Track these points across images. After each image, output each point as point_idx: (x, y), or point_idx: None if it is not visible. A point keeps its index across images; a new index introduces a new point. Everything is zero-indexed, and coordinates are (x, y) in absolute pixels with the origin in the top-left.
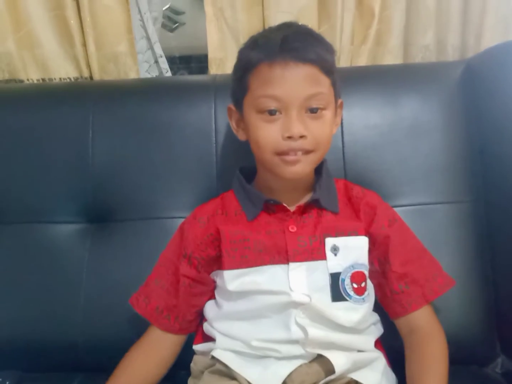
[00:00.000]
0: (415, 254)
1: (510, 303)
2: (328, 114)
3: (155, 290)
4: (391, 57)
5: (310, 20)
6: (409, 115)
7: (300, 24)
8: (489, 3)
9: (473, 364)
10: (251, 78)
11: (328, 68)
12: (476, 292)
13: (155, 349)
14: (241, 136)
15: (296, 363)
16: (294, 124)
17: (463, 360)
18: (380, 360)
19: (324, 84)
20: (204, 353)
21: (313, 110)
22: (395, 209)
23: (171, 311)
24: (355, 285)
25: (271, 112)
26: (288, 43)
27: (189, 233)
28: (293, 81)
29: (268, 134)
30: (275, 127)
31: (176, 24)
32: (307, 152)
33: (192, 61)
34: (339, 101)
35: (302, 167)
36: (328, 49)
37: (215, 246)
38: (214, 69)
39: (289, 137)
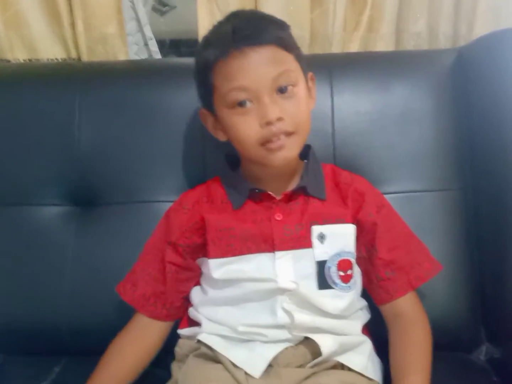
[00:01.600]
0: (402, 239)
1: (495, 290)
2: (299, 90)
3: (142, 277)
4: (383, 44)
5: (302, 5)
6: (400, 102)
7: (247, 10)
8: None
9: (458, 350)
10: (214, 77)
11: (286, 44)
12: (462, 279)
13: (143, 336)
14: (221, 137)
15: (282, 346)
16: (269, 108)
17: (448, 346)
18: (366, 344)
19: (287, 61)
20: (189, 337)
21: (283, 90)
22: (384, 196)
23: (158, 298)
24: (341, 273)
25: (242, 104)
26: (239, 31)
27: (174, 220)
28: (254, 66)
29: (246, 127)
30: (251, 117)
31: (166, 7)
32: (288, 134)
33: (182, 45)
34: (309, 74)
35: (289, 150)
36: (282, 26)
37: (200, 234)
38: None
39: (268, 123)
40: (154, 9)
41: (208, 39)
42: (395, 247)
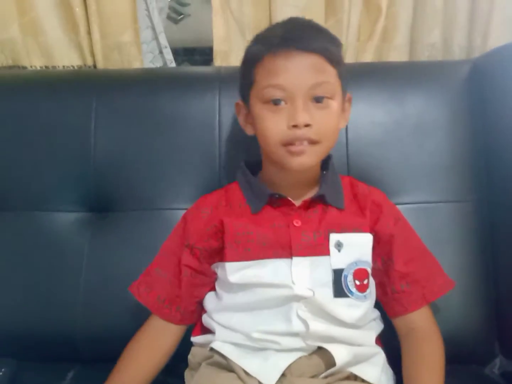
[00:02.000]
0: (418, 253)
1: (510, 303)
2: (334, 104)
3: (156, 279)
4: (397, 54)
5: (316, 14)
6: (414, 113)
7: (305, 19)
8: (496, 3)
9: (471, 363)
10: (256, 71)
11: (333, 58)
12: (477, 292)
13: (158, 339)
14: (249, 131)
15: (296, 355)
16: (299, 112)
17: (462, 360)
18: (380, 355)
19: (329, 74)
20: (203, 345)
21: (318, 99)
22: (398, 206)
23: (173, 301)
24: (357, 282)
25: (276, 102)
26: (290, 33)
27: (192, 224)
28: (297, 70)
29: (274, 125)
30: (281, 117)
31: (181, 16)
32: (312, 142)
33: (196, 54)
34: (348, 95)
35: (308, 158)
36: (333, 41)
37: (217, 238)
38: (219, 61)
39: (294, 126)
40: (169, 17)
41: (259, 35)
42: (410, 260)
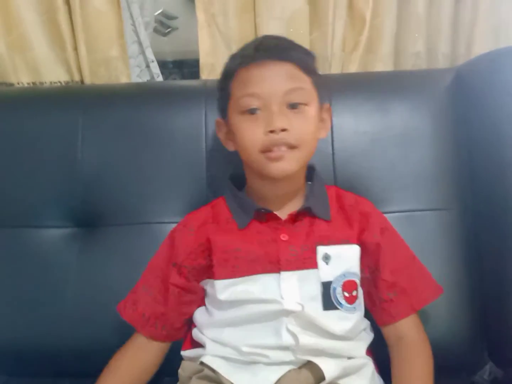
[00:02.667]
0: (405, 262)
1: (498, 310)
2: (310, 110)
3: (142, 296)
4: (382, 65)
5: (301, 27)
6: (399, 122)
7: (278, 35)
8: (479, 12)
9: (461, 371)
10: (232, 85)
11: (307, 67)
12: (464, 300)
13: (140, 355)
14: (230, 147)
15: (285, 369)
16: (275, 117)
17: (452, 368)
18: (368, 367)
19: (304, 81)
20: (192, 359)
21: (294, 106)
22: (384, 215)
23: (158, 319)
24: (346, 294)
25: (252, 111)
26: (263, 45)
27: (180, 243)
28: (271, 77)
29: (251, 133)
30: (258, 125)
31: (169, 29)
32: (291, 147)
33: (184, 66)
34: (326, 105)
35: (288, 163)
36: (307, 53)
37: (205, 256)
38: (206, 74)
39: (271, 131)
40: (156, 30)
41: (234, 53)
42: (397, 270)
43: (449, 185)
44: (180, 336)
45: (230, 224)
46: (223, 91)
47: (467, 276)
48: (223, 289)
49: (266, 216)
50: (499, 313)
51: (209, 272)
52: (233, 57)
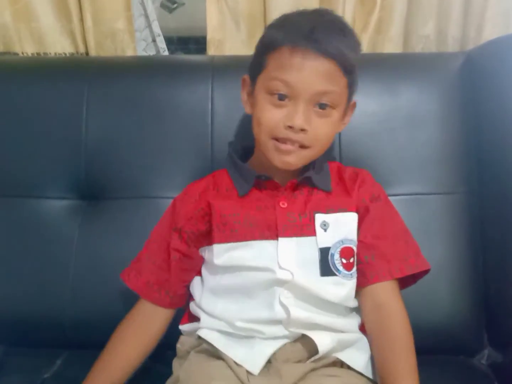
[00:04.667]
0: (391, 233)
1: (498, 294)
2: (335, 114)
3: (146, 265)
4: (391, 46)
5: (310, 5)
6: (407, 104)
7: (334, 14)
8: None
9: (459, 354)
10: (270, 58)
11: (348, 67)
12: (466, 283)
13: (146, 323)
14: (248, 110)
15: (281, 342)
16: (299, 115)
17: (450, 350)
18: (364, 340)
19: (339, 84)
20: (190, 334)
21: (321, 106)
22: (390, 198)
23: (162, 285)
24: (344, 260)
25: (280, 97)
26: (315, 33)
27: (181, 209)
28: (309, 72)
29: (271, 118)
30: (280, 113)
31: (175, 5)
32: (303, 146)
33: (190, 43)
34: (352, 102)
35: (294, 159)
36: (355, 46)
37: (205, 221)
38: (212, 50)
39: (290, 127)
40: (162, 5)
41: (286, 21)
42: (381, 236)
43: (455, 169)
44: (182, 304)
45: (230, 191)
46: (259, 58)
47: (470, 259)
48: (220, 253)
49: (266, 183)
50: (500, 298)
51: (208, 238)
52: (281, 27)
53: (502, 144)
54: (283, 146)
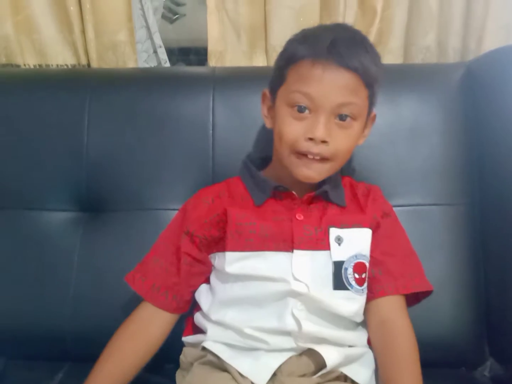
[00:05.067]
0: (399, 251)
1: (500, 306)
2: (356, 126)
3: (153, 268)
4: (392, 57)
5: (311, 16)
6: (408, 116)
7: (354, 29)
8: (491, 8)
9: (462, 367)
10: (291, 71)
11: (369, 79)
12: (468, 295)
13: (146, 327)
14: (268, 124)
15: (286, 355)
16: (320, 127)
17: (452, 363)
18: (369, 355)
19: (360, 96)
20: (194, 345)
21: (342, 118)
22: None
23: (169, 289)
24: (356, 275)
25: (301, 109)
26: (336, 46)
27: (193, 212)
28: (330, 84)
29: (292, 131)
30: (301, 125)
31: (176, 16)
32: (324, 159)
33: (191, 54)
34: (373, 113)
35: (315, 173)
36: (375, 60)
37: (219, 228)
38: (214, 61)
39: (311, 139)
40: (164, 17)
41: (306, 35)
42: (389, 253)
43: (457, 181)
44: (186, 310)
45: (245, 201)
46: (279, 71)
47: (471, 272)
48: (232, 261)
49: (282, 195)
50: (501, 310)
51: (220, 245)
52: (301, 41)
53: (503, 155)
54: (305, 160)
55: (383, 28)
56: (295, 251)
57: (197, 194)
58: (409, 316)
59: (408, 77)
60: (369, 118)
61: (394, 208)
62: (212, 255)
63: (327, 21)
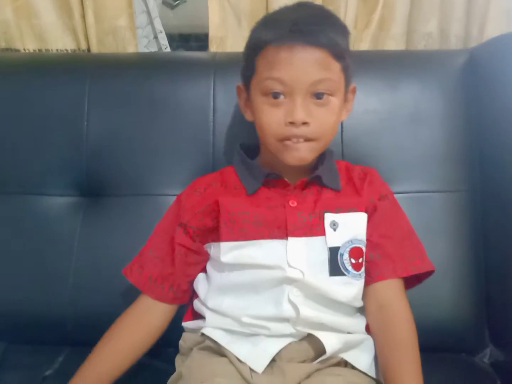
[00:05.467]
0: (398, 233)
1: (500, 293)
2: (335, 101)
3: (149, 259)
4: (394, 43)
5: (314, 2)
6: (409, 102)
7: (317, 5)
8: None
9: (461, 352)
10: (258, 60)
11: (339, 52)
12: (468, 281)
13: (145, 318)
14: (248, 117)
15: (286, 341)
16: (298, 109)
17: (452, 348)
18: (369, 341)
19: (333, 70)
20: (194, 331)
21: (319, 96)
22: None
23: (165, 280)
24: (353, 260)
25: (275, 95)
26: (298, 25)
27: (186, 203)
28: (300, 65)
29: (271, 119)
30: (279, 111)
31: (177, 1)
32: (308, 139)
33: (192, 40)
34: (351, 86)
35: (304, 153)
36: (342, 32)
37: (212, 217)
38: (214, 47)
39: (292, 123)
40: (164, 2)
41: (268, 19)
42: (387, 236)
43: (458, 167)
44: (185, 300)
45: (238, 189)
46: (248, 62)
47: (472, 257)
48: (227, 251)
49: (275, 182)
50: (502, 296)
51: (214, 234)
52: (263, 28)
53: (504, 142)
54: (290, 144)
55: (385, 14)
56: (289, 238)
57: (191, 184)
58: (409, 301)
59: (410, 63)
60: (348, 91)
61: (394, 195)
62: (207, 244)
63: (329, 8)
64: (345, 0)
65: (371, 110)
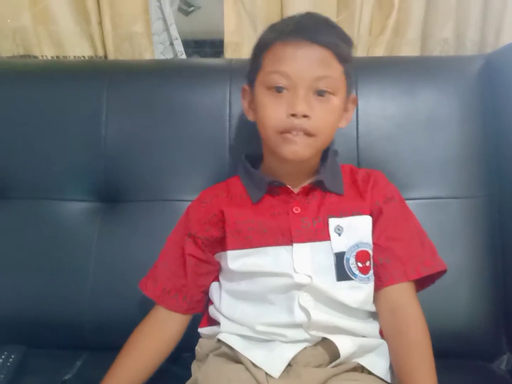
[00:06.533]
0: (406, 234)
1: None
2: (335, 100)
3: (162, 272)
4: (409, 49)
5: (328, 8)
6: (426, 107)
7: (322, 15)
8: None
9: (478, 359)
10: (265, 57)
11: (341, 55)
12: (486, 288)
13: (161, 328)
14: (251, 117)
15: (301, 346)
16: (299, 102)
17: (469, 355)
18: (384, 346)
19: (335, 69)
20: (210, 337)
21: (320, 93)
22: (408, 201)
23: (179, 291)
24: (359, 264)
25: (279, 89)
26: (303, 24)
27: (194, 215)
28: (304, 60)
29: (273, 112)
30: (281, 105)
31: (192, 8)
32: (307, 134)
33: (206, 46)
34: (352, 95)
35: (301, 148)
36: (345, 38)
37: (219, 227)
38: (230, 53)
39: (293, 115)
40: (179, 9)
41: (273, 25)
42: (395, 239)
43: (475, 173)
44: (200, 310)
45: (243, 199)
46: (255, 60)
47: (489, 264)
48: (234, 259)
49: (279, 190)
50: None
51: (222, 244)
52: (271, 29)
53: None
54: (289, 136)
55: (400, 19)
56: (294, 244)
57: (198, 196)
58: (426, 307)
59: (426, 69)
60: (349, 100)
61: (411, 201)
62: (217, 254)
63: (344, 13)
64: (360, 5)
65: (387, 116)
